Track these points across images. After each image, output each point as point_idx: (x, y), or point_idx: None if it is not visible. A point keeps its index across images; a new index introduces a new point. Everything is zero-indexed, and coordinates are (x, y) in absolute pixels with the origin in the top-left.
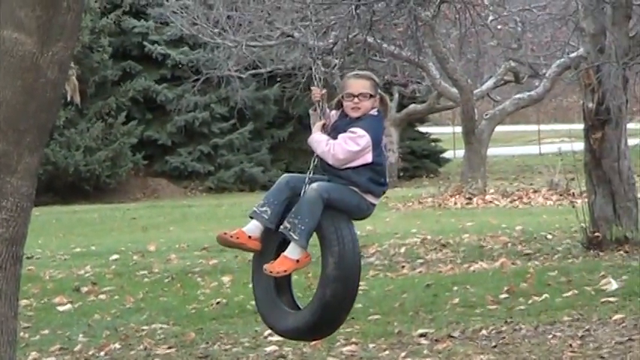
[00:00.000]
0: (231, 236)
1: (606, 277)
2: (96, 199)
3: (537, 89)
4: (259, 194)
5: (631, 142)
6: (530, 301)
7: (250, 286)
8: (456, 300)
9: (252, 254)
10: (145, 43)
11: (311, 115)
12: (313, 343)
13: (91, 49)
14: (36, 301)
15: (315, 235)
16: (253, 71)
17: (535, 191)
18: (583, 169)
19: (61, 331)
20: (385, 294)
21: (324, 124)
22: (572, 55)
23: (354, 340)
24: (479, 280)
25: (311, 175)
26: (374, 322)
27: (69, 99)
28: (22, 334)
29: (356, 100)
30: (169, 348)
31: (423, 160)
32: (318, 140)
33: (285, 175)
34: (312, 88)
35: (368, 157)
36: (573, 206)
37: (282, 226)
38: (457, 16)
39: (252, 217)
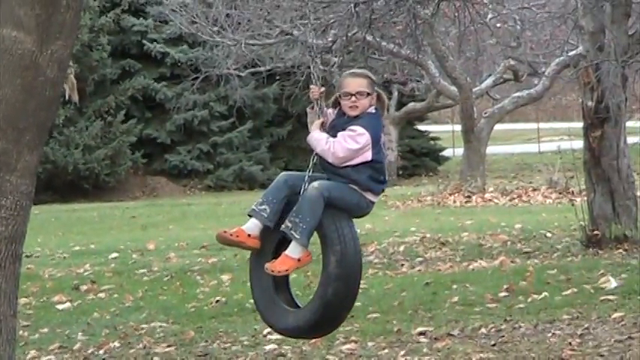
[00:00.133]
0: (231, 235)
1: (605, 276)
2: (95, 198)
3: (536, 87)
4: (258, 192)
5: (630, 140)
6: (529, 300)
7: (248, 284)
8: (456, 298)
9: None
10: (144, 41)
11: (308, 113)
12: (313, 341)
13: (90, 48)
14: (35, 299)
15: (315, 233)
16: (252, 69)
17: (534, 189)
18: (582, 168)
19: (60, 330)
20: (384, 292)
21: (322, 123)
22: (572, 53)
23: (353, 338)
24: (478, 279)
25: (310, 173)
26: (373, 320)
27: (67, 97)
28: (21, 332)
29: (353, 98)
30: (169, 346)
31: (422, 158)
32: (318, 138)
33: (284, 173)
34: (310, 86)
35: (368, 155)
36: (572, 204)
37: (283, 225)
38: (456, 14)
39: (250, 216)
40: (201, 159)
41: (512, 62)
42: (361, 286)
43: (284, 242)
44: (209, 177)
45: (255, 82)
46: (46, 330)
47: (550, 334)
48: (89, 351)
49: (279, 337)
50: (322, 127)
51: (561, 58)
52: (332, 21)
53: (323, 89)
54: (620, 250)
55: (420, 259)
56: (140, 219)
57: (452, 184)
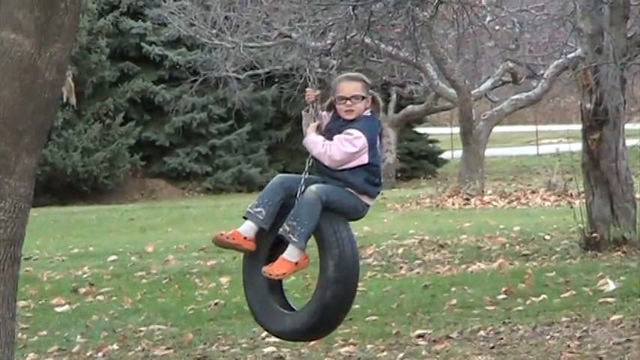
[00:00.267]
0: (227, 237)
1: (604, 278)
2: (94, 200)
3: (535, 90)
4: (257, 195)
5: (629, 142)
6: (528, 302)
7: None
8: (454, 301)
9: None
10: (143, 44)
11: (303, 116)
12: (311, 343)
13: (89, 50)
14: (34, 302)
15: (312, 236)
16: (251, 72)
17: (533, 192)
18: (581, 170)
19: (59, 332)
20: (383, 295)
21: (318, 126)
22: (570, 55)
23: (351, 340)
24: (477, 281)
25: (306, 176)
26: (372, 322)
27: (65, 100)
28: (19, 335)
29: (349, 102)
30: (167, 349)
31: (420, 160)
32: (314, 141)
33: (279, 175)
34: (306, 89)
35: (364, 158)
36: (571, 207)
37: (281, 229)
38: (455, 16)
39: (245, 218)
40: (199, 161)
41: (510, 65)
42: (360, 288)
43: (279, 244)
44: (208, 179)
45: (253, 84)
46: (44, 333)
47: (549, 337)
48: (88, 353)
49: (277, 339)
50: (318, 130)
51: (560, 60)
52: (330, 23)
53: (318, 92)
54: (619, 253)
55: (418, 261)
56: (139, 221)
57: (450, 186)
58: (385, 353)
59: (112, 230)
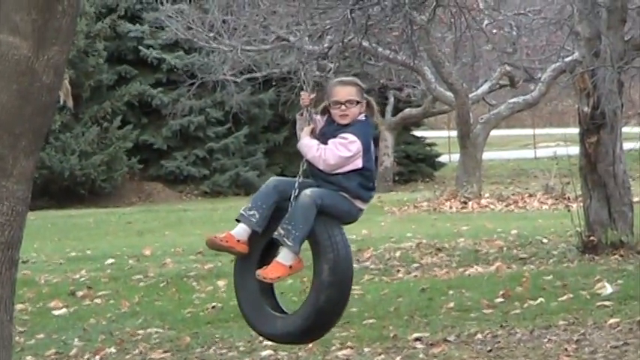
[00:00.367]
0: (221, 240)
1: (601, 281)
2: (91, 204)
3: (532, 93)
4: None
5: (626, 146)
6: (525, 305)
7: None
8: (452, 304)
9: None
10: (141, 47)
11: (297, 119)
12: (309, 346)
13: (87, 54)
14: (31, 305)
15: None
16: (248, 75)
17: (530, 195)
18: (578, 173)
19: (56, 336)
20: (380, 298)
21: (312, 129)
22: (568, 59)
23: (349, 344)
24: (474, 285)
25: (300, 179)
26: (369, 326)
27: (62, 103)
28: (17, 338)
29: (343, 107)
30: (165, 352)
31: (418, 164)
32: (309, 145)
33: (273, 178)
34: (301, 93)
35: (358, 163)
36: (569, 210)
37: (275, 233)
38: (452, 20)
39: (238, 221)
40: (197, 165)
41: (508, 68)
42: (357, 291)
43: (271, 247)
44: (205, 183)
45: (251, 87)
46: (42, 336)
47: (546, 340)
48: (85, 357)
49: (275, 342)
50: (312, 133)
51: (557, 64)
52: (328, 27)
53: (313, 96)
54: (616, 256)
55: (416, 264)
56: (136, 225)
57: (448, 189)
58: (382, 356)
59: (110, 233)
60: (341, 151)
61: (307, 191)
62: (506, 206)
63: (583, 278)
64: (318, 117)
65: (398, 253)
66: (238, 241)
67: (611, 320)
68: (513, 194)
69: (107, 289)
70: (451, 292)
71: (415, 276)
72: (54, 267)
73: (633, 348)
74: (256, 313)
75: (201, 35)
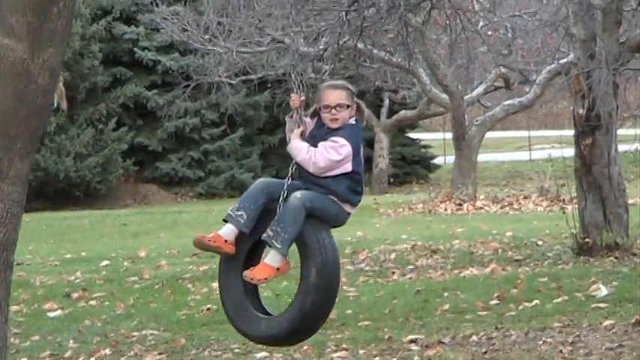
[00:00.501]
0: (209, 240)
1: (596, 283)
2: (86, 205)
3: (528, 95)
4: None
5: (621, 148)
6: (520, 307)
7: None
8: (447, 306)
9: None
10: (136, 49)
11: (287, 121)
12: (304, 349)
13: (82, 56)
14: (26, 307)
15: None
16: (244, 77)
17: (525, 197)
18: (573, 175)
19: (51, 337)
20: (375, 300)
21: (302, 132)
22: (563, 61)
23: (344, 346)
24: (469, 286)
25: (289, 182)
26: (364, 328)
27: (55, 105)
28: (12, 340)
29: (333, 111)
30: (160, 354)
31: (413, 166)
32: (299, 147)
33: (261, 180)
34: (291, 95)
35: (348, 167)
36: (564, 212)
37: (264, 234)
38: (447, 22)
39: (225, 221)
40: (192, 166)
41: (503, 70)
42: (352, 293)
43: (256, 249)
44: (200, 184)
45: (246, 89)
46: (37, 338)
47: (541, 342)
48: (80, 359)
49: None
50: (302, 136)
51: (552, 65)
52: (323, 29)
53: (303, 98)
54: (611, 258)
55: (411, 266)
56: (131, 227)
57: (443, 191)
58: (378, 358)
59: (105, 235)
60: (331, 155)
61: (297, 194)
62: (502, 208)
63: (578, 280)
64: (308, 119)
65: (393, 255)
66: (226, 241)
67: (606, 322)
68: (508, 196)
69: (102, 291)
70: (446, 294)
71: (410, 278)
72: (49, 269)
73: (628, 350)
74: (240, 315)
75: (196, 37)
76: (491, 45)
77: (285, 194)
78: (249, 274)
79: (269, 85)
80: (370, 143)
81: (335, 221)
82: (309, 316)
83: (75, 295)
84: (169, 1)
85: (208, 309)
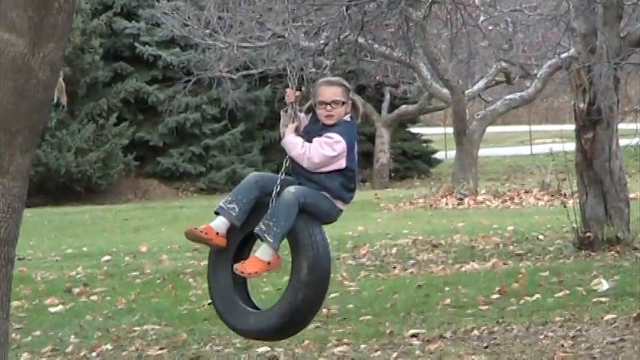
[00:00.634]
0: (200, 231)
1: (598, 278)
2: (87, 201)
3: (528, 90)
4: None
5: (622, 142)
6: (521, 302)
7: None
8: (448, 300)
9: None
10: (136, 44)
11: (282, 116)
12: (305, 343)
13: (82, 51)
14: (27, 302)
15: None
16: (244, 72)
17: (526, 192)
18: (574, 170)
19: (52, 332)
20: (377, 294)
21: (296, 127)
22: (564, 55)
23: (345, 340)
24: (470, 281)
25: (282, 176)
26: (365, 322)
27: (55, 100)
28: (13, 335)
29: (329, 107)
30: (161, 349)
31: (414, 160)
32: (294, 142)
33: (255, 173)
34: (286, 90)
35: (342, 163)
36: (565, 206)
37: (256, 228)
38: (448, 16)
39: (217, 213)
40: (193, 161)
41: (504, 64)
42: (353, 288)
43: (247, 242)
44: (201, 179)
45: (247, 84)
46: (38, 333)
47: (542, 336)
48: (82, 354)
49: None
50: (296, 131)
51: (553, 60)
52: (324, 23)
53: (298, 93)
54: (613, 252)
55: (412, 261)
56: (132, 222)
57: (444, 186)
58: (379, 353)
59: (106, 230)
60: (326, 150)
61: (291, 188)
62: (503, 203)
63: (579, 274)
64: (303, 115)
65: (394, 250)
66: (217, 233)
67: (608, 316)
68: (509, 191)
69: (103, 286)
70: (447, 288)
71: (411, 272)
72: (50, 264)
73: (630, 344)
74: (229, 309)
75: (197, 32)
76: (492, 39)
77: (278, 189)
78: (240, 267)
79: (270, 80)
80: (371, 138)
81: (327, 217)
82: (299, 312)
83: (76, 290)
84: None
85: (209, 303)
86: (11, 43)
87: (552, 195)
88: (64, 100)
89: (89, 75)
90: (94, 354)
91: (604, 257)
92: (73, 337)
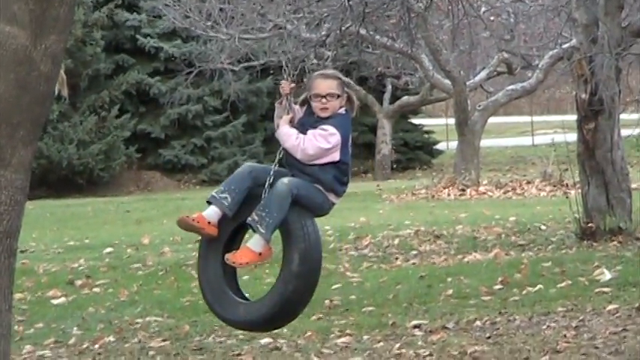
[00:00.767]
0: (193, 220)
1: (600, 268)
2: (89, 193)
3: (530, 80)
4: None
5: (624, 132)
6: (524, 292)
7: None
8: (450, 291)
9: None
10: (138, 36)
11: (276, 107)
12: (308, 334)
13: (84, 43)
14: (30, 294)
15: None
16: (246, 64)
17: (528, 182)
18: (576, 160)
19: (55, 325)
20: (379, 285)
21: (291, 118)
22: (565, 45)
23: (348, 331)
24: (473, 272)
25: (276, 168)
26: (368, 313)
27: (57, 92)
28: (16, 327)
29: (324, 100)
30: (164, 341)
31: (416, 151)
32: (288, 133)
33: (248, 164)
34: (281, 81)
35: (336, 156)
36: (567, 197)
37: (249, 218)
38: (450, 7)
39: (209, 203)
40: (195, 153)
41: (505, 55)
42: (356, 279)
43: (238, 233)
44: (203, 171)
45: (248, 76)
46: (41, 325)
47: (545, 327)
48: (84, 345)
49: (274, 330)
50: (290, 123)
51: (555, 50)
52: (325, 15)
53: (293, 85)
54: (615, 243)
55: (414, 252)
56: (134, 214)
57: (446, 177)
58: (381, 344)
59: (108, 222)
60: (320, 142)
61: (284, 180)
62: (505, 193)
63: (582, 265)
64: (297, 107)
65: (396, 241)
66: (209, 222)
67: (610, 306)
68: (511, 181)
69: (106, 278)
70: (450, 279)
71: (414, 263)
72: (52, 256)
73: (632, 334)
74: (219, 299)
75: (198, 24)
76: (494, 30)
77: (271, 180)
78: (231, 258)
79: (271, 72)
80: (373, 129)
81: (319, 210)
82: (289, 303)
83: (78, 283)
84: None
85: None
86: (13, 35)
87: (554, 185)
88: (65, 92)
89: (91, 67)
90: (96, 346)
91: (606, 247)
92: (75, 329)
